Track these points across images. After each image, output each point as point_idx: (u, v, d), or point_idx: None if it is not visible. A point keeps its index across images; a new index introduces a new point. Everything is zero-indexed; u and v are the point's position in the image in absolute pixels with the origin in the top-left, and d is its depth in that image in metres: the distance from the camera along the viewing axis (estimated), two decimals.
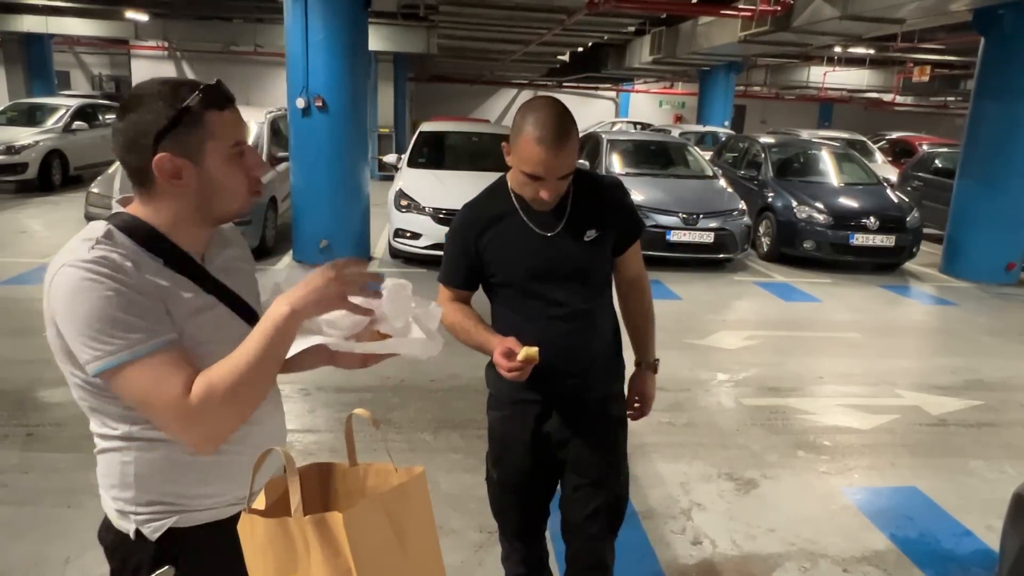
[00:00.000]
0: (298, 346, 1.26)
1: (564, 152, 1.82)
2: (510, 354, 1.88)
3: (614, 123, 24.21)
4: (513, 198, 2.01)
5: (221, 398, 1.18)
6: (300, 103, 7.76)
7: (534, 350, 1.84)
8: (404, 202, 7.97)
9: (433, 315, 1.36)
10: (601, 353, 2.12)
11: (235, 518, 1.20)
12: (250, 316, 1.37)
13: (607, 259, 2.09)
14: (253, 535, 1.26)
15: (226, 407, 1.20)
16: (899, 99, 27.14)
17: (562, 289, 2.01)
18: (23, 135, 11.93)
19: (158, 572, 1.33)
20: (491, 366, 2.10)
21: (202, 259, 1.35)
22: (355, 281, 1.24)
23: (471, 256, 2.06)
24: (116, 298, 1.16)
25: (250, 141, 8.87)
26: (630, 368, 2.26)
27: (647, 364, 2.22)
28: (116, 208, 1.33)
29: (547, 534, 2.38)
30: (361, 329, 1.32)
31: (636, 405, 2.24)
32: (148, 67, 24.72)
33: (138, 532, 1.34)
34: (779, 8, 10.72)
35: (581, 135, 15.02)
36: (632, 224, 2.14)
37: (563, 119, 1.84)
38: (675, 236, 8.41)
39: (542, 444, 2.14)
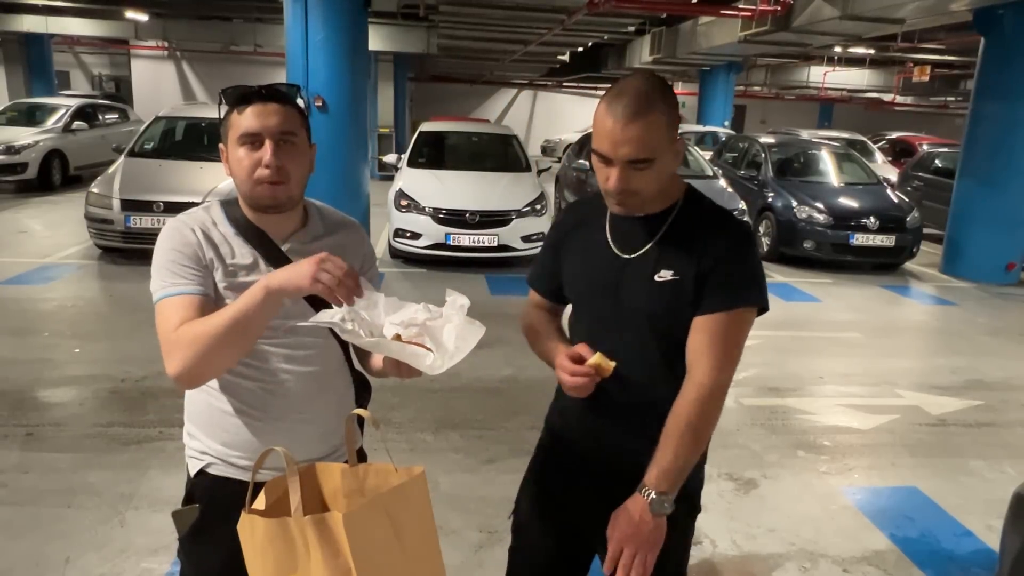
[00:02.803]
0: (315, 319, 1.38)
1: (634, 127, 1.43)
2: (578, 359, 1.56)
3: None
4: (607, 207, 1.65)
5: (190, 339, 1.37)
6: (300, 103, 7.75)
7: (609, 362, 1.54)
8: (404, 202, 7.97)
9: (476, 332, 1.36)
10: (648, 426, 1.57)
11: (308, 467, 1.42)
12: (313, 298, 1.47)
13: (686, 315, 1.56)
14: (253, 535, 1.26)
15: (192, 348, 1.36)
16: (899, 99, 27.12)
17: (623, 331, 1.61)
18: (23, 135, 11.93)
19: (187, 507, 1.56)
20: (554, 401, 1.81)
21: (283, 240, 1.55)
22: (333, 275, 1.29)
23: (555, 257, 1.76)
24: (169, 252, 1.46)
25: None
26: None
27: (641, 488, 1.52)
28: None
29: None
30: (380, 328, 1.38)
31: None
32: (148, 67, 24.73)
33: (187, 467, 1.63)
34: (779, 8, 10.72)
35: (581, 135, 14.89)
36: (716, 286, 1.52)
37: (646, 92, 1.46)
38: None
39: (564, 522, 1.75)
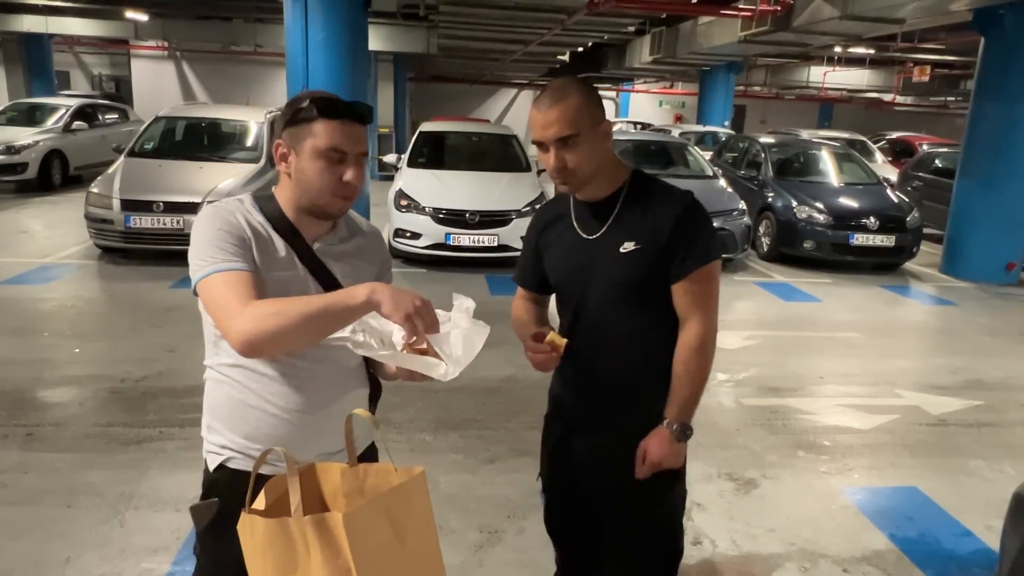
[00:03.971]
0: (328, 338, 1.41)
1: (554, 110, 1.71)
2: (539, 339, 1.83)
3: (614, 123, 23.88)
4: (571, 200, 1.93)
5: (273, 312, 1.38)
6: None
7: (561, 339, 1.79)
8: (404, 202, 7.97)
9: (481, 333, 1.41)
10: (630, 381, 1.90)
11: (309, 467, 1.43)
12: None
13: (654, 279, 1.81)
14: (253, 535, 1.26)
15: (272, 320, 1.37)
16: (899, 99, 27.13)
17: (596, 299, 1.86)
18: (23, 135, 11.92)
19: (206, 502, 1.55)
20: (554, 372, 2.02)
21: (313, 240, 1.59)
22: (424, 321, 1.36)
23: (535, 255, 2.00)
24: (218, 231, 1.48)
25: (250, 142, 8.88)
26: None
27: (666, 423, 1.85)
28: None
29: None
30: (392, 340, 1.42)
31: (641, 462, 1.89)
32: (148, 67, 24.71)
33: (206, 462, 1.63)
34: (779, 8, 10.72)
35: None
36: (683, 250, 1.78)
37: (561, 85, 1.76)
38: None
39: (575, 481, 2.01)
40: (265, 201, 1.60)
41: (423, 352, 1.38)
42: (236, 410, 1.58)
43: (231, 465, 1.59)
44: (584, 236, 1.87)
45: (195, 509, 1.56)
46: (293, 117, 1.52)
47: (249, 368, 1.54)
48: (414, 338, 1.37)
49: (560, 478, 2.05)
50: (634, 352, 1.88)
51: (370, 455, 1.76)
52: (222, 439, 1.60)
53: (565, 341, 1.80)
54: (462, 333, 1.38)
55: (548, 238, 1.97)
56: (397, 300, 1.34)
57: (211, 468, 1.62)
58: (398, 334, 1.39)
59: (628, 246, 1.80)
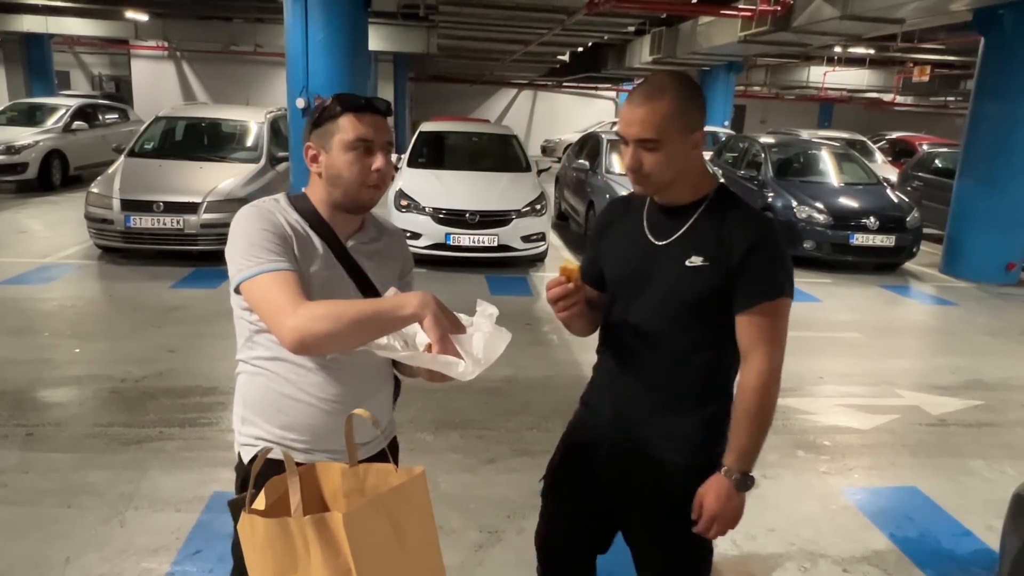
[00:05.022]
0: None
1: (642, 109, 1.61)
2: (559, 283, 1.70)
3: (614, 123, 24.21)
4: (648, 199, 1.81)
5: (328, 313, 1.42)
6: (300, 103, 7.77)
7: (574, 263, 1.70)
8: (404, 202, 7.97)
9: (503, 338, 1.43)
10: (668, 399, 1.77)
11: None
12: (372, 295, 1.62)
13: (715, 300, 1.69)
14: (253, 535, 1.26)
15: (326, 321, 1.41)
16: (899, 99, 27.11)
17: (649, 308, 1.74)
18: (23, 135, 11.92)
19: (242, 495, 1.51)
20: (590, 380, 1.95)
21: (346, 239, 1.65)
22: (451, 328, 1.42)
23: (596, 247, 1.91)
24: (262, 232, 1.52)
25: (250, 142, 8.88)
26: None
27: (724, 471, 1.69)
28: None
29: None
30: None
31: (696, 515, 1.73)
32: (148, 67, 24.72)
33: (240, 455, 1.66)
34: (779, 8, 10.72)
35: (581, 135, 14.87)
36: (754, 278, 1.67)
37: (661, 83, 1.63)
38: None
39: (592, 484, 1.88)
40: (300, 200, 1.65)
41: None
42: (274, 401, 1.61)
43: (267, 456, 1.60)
44: (651, 240, 1.76)
45: (234, 503, 1.54)
46: (319, 118, 1.59)
47: (289, 361, 1.58)
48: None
49: (574, 485, 1.92)
50: (678, 370, 1.75)
51: (393, 449, 1.79)
52: (258, 430, 1.63)
53: (578, 265, 1.72)
54: (484, 336, 1.42)
55: (613, 231, 1.88)
56: (439, 320, 1.39)
57: (246, 460, 1.64)
58: (422, 335, 1.43)
59: (695, 260, 1.68)
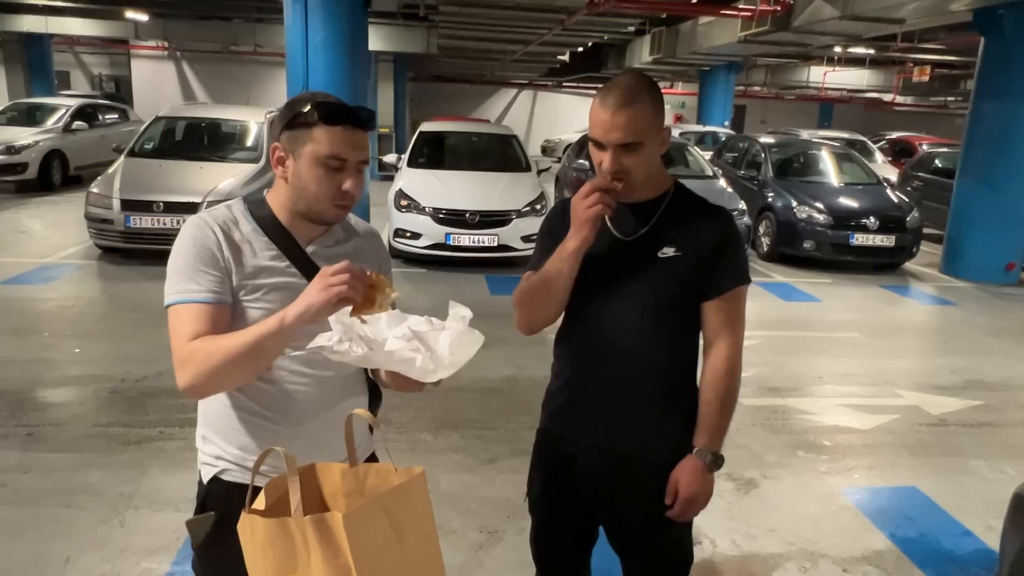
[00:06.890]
0: (310, 345, 1.33)
1: (623, 114, 1.62)
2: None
3: None
4: None
5: (203, 356, 1.39)
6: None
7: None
8: (404, 202, 7.97)
9: (474, 340, 1.35)
10: (646, 394, 1.79)
11: (309, 467, 1.38)
12: None
13: (688, 290, 1.75)
14: (253, 535, 1.26)
15: (204, 364, 1.39)
16: (899, 99, 27.13)
17: (624, 304, 1.75)
18: (23, 135, 11.92)
19: (202, 516, 1.52)
20: (553, 379, 1.92)
21: (307, 244, 1.55)
22: (341, 278, 1.31)
23: (553, 245, 1.82)
24: (187, 255, 1.45)
25: (250, 142, 8.88)
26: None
27: (696, 452, 1.75)
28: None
29: None
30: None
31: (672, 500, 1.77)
32: (148, 67, 24.72)
33: (200, 474, 1.60)
34: (779, 8, 10.72)
35: (580, 135, 14.88)
36: (723, 266, 1.74)
37: (633, 86, 1.65)
38: None
39: (570, 497, 1.89)
40: (256, 205, 1.54)
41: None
42: (233, 421, 1.54)
43: (225, 477, 1.55)
44: (617, 235, 1.78)
45: (192, 523, 1.52)
46: (293, 120, 1.45)
47: None
48: (405, 343, 1.32)
49: (558, 495, 1.91)
50: (655, 364, 1.78)
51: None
52: (217, 450, 1.57)
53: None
54: (451, 336, 1.34)
55: (564, 235, 1.82)
56: (308, 299, 1.32)
57: (205, 480, 1.58)
58: (392, 343, 1.32)
59: (668, 251, 1.73)
